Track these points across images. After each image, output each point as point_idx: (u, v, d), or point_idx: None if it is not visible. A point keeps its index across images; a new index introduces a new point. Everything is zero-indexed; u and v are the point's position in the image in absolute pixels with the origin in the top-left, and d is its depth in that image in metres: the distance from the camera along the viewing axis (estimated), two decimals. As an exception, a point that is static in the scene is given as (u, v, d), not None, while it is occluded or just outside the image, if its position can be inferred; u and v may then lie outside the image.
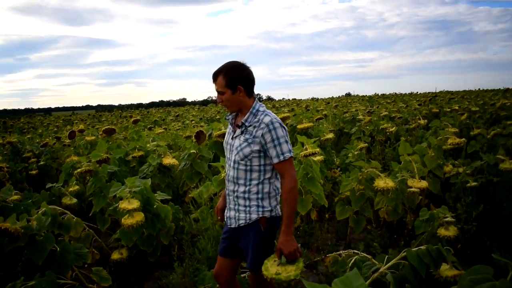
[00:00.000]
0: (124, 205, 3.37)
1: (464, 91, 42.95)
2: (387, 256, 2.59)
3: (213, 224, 3.68)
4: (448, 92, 41.40)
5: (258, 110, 2.48)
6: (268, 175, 2.47)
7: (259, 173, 2.45)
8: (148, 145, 6.35)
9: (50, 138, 12.13)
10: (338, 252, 3.58)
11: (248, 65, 2.50)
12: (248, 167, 2.45)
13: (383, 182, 3.81)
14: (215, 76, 2.47)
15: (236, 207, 2.52)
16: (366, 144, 6.25)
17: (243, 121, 2.47)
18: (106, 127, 7.03)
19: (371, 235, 3.73)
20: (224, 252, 2.67)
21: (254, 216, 2.46)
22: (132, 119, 9.49)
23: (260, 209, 2.46)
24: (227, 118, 2.66)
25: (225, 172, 4.19)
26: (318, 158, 4.66)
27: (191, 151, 5.63)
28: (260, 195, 2.46)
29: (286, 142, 2.40)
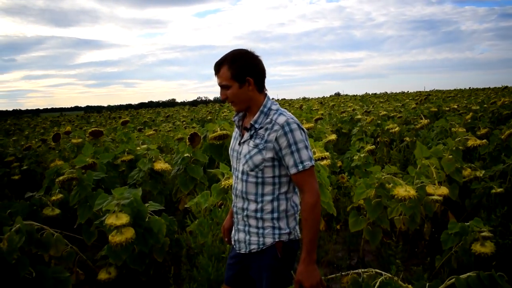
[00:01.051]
0: (111, 220, 2.91)
1: (455, 89, 42.89)
2: (427, 283, 2.17)
3: (214, 240, 3.24)
4: (439, 91, 41.30)
5: (270, 109, 2.02)
6: (284, 189, 2.02)
7: (273, 187, 2.00)
8: (138, 148, 5.90)
9: (36, 140, 11.59)
10: (356, 271, 3.15)
11: (257, 54, 2.05)
12: (260, 179, 2.00)
13: (404, 190, 3.40)
14: (218, 66, 2.01)
15: (247, 228, 2.07)
16: (374, 146, 5.85)
17: (252, 122, 2.02)
18: (93, 129, 6.57)
19: (392, 251, 3.32)
20: (231, 281, 2.22)
21: (268, 241, 2.01)
22: (121, 120, 8.97)
23: (276, 231, 2.01)
24: (233, 119, 2.21)
25: (225, 179, 3.79)
26: (325, 162, 4.26)
27: (185, 155, 5.19)
28: (275, 214, 2.01)
29: (306, 147, 1.95)
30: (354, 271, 3.17)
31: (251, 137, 2.02)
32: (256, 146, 1.98)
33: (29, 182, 7.41)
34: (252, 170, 2.00)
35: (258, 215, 2.02)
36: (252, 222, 2.04)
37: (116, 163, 5.95)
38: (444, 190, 3.82)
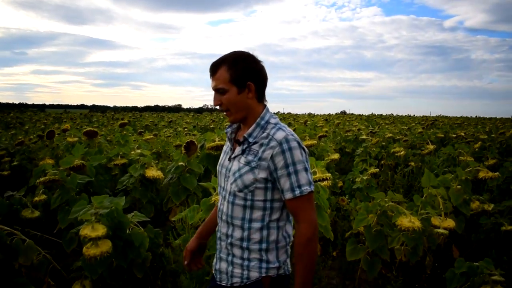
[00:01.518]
0: (86, 231, 2.65)
1: (461, 117, 42.64)
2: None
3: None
4: (445, 117, 41.05)
5: (268, 122, 1.76)
6: (275, 216, 1.75)
7: (264, 212, 1.73)
8: (132, 152, 5.67)
9: (34, 136, 11.36)
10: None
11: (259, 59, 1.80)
12: (248, 203, 1.73)
13: (408, 221, 3.14)
14: (215, 67, 1.75)
15: (230, 258, 1.80)
16: (377, 169, 5.58)
17: (245, 135, 1.75)
18: (88, 129, 6.34)
19: (391, 285, 3.04)
20: None
21: (254, 275, 1.74)
22: (119, 122, 8.69)
23: (264, 265, 1.74)
24: (225, 131, 1.93)
25: (216, 194, 3.52)
26: (325, 183, 3.99)
27: (179, 164, 4.95)
28: (264, 245, 1.74)
29: (306, 170, 1.69)
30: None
31: (243, 152, 1.76)
32: (247, 163, 1.72)
33: (19, 178, 7.15)
34: (240, 191, 1.73)
35: (244, 244, 1.75)
36: (237, 251, 1.77)
37: (110, 166, 5.72)
38: (450, 223, 3.56)
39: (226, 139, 1.94)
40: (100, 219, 2.77)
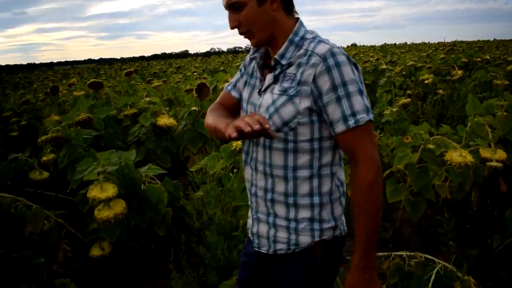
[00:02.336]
0: (94, 193, 2.33)
1: (480, 41, 40.92)
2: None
3: (223, 214, 2.65)
4: (462, 42, 39.44)
5: (304, 38, 1.30)
6: (326, 159, 1.31)
7: (311, 156, 1.29)
8: (141, 101, 5.31)
9: (42, 94, 11.06)
10: (399, 253, 2.59)
11: None
12: (291, 145, 1.28)
13: (459, 155, 2.75)
14: None
15: (271, 219, 1.38)
16: (409, 99, 5.13)
17: (276, 57, 1.29)
18: (92, 80, 5.94)
19: (442, 229, 2.69)
20: (245, 285, 1.57)
21: (304, 240, 1.33)
22: (125, 71, 8.23)
23: (316, 225, 1.33)
24: (251, 56, 1.45)
25: (238, 143, 3.12)
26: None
27: (192, 109, 4.58)
28: (316, 199, 1.32)
29: (361, 92, 1.22)
30: (397, 253, 2.60)
31: (275, 79, 1.30)
32: (284, 91, 1.26)
33: (29, 138, 6.89)
34: (279, 130, 1.28)
35: (290, 200, 1.33)
36: (280, 210, 1.35)
37: (120, 118, 5.41)
38: (502, 154, 3.16)
39: (244, 68, 1.50)
40: (109, 177, 2.44)
